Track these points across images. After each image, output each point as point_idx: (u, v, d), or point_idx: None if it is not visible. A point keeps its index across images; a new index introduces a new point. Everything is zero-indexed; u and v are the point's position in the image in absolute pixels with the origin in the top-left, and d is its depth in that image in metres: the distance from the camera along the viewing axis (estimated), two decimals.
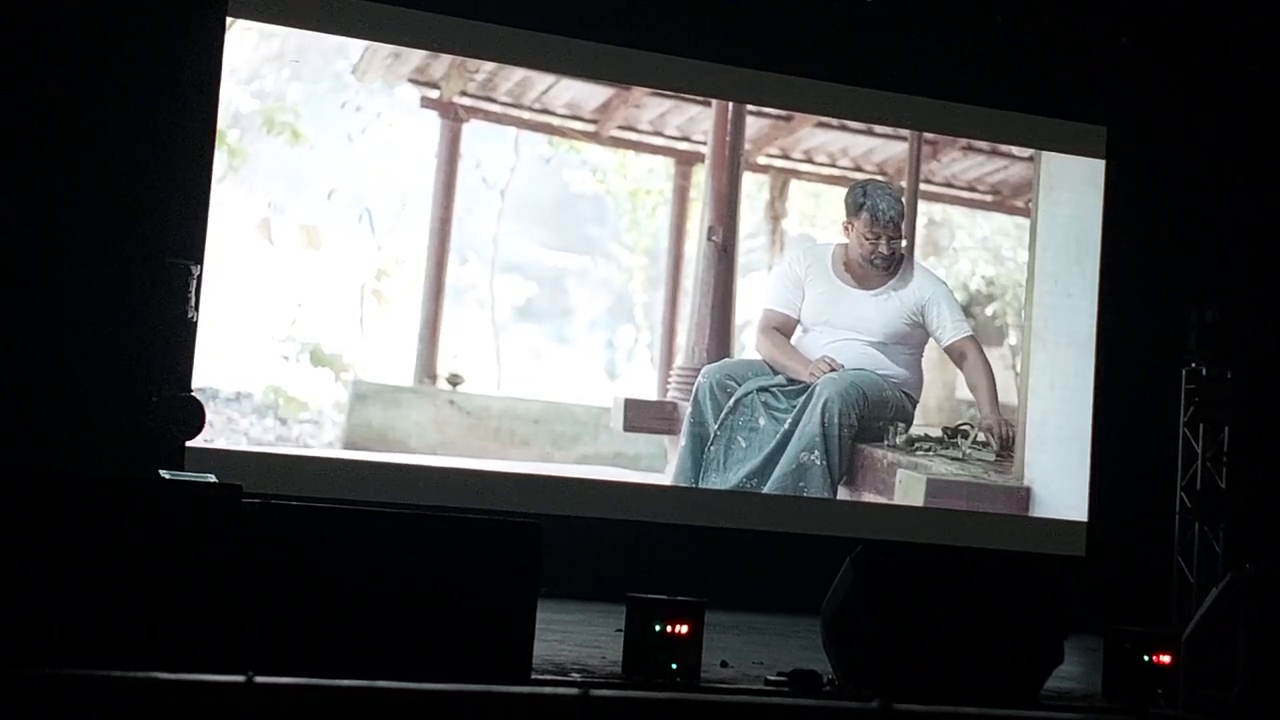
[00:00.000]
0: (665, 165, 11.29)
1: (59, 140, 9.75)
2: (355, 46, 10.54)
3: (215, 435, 9.67)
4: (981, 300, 11.97)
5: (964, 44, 11.56)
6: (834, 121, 11.64)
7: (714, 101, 11.33)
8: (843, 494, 11.23)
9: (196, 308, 8.78)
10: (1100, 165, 12.03)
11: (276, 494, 6.76)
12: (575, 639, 7.55)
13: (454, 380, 10.69)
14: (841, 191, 11.57)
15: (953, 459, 11.53)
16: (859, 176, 11.73)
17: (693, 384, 11.14)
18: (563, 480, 10.72)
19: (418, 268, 10.65)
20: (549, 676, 6.05)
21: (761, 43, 11.30)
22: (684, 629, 6.16)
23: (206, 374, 9.86)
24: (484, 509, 8.86)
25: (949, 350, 11.65)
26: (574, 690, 3.85)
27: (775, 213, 11.59)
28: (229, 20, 10.22)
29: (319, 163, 10.44)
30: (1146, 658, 6.66)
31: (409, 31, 10.62)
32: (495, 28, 10.79)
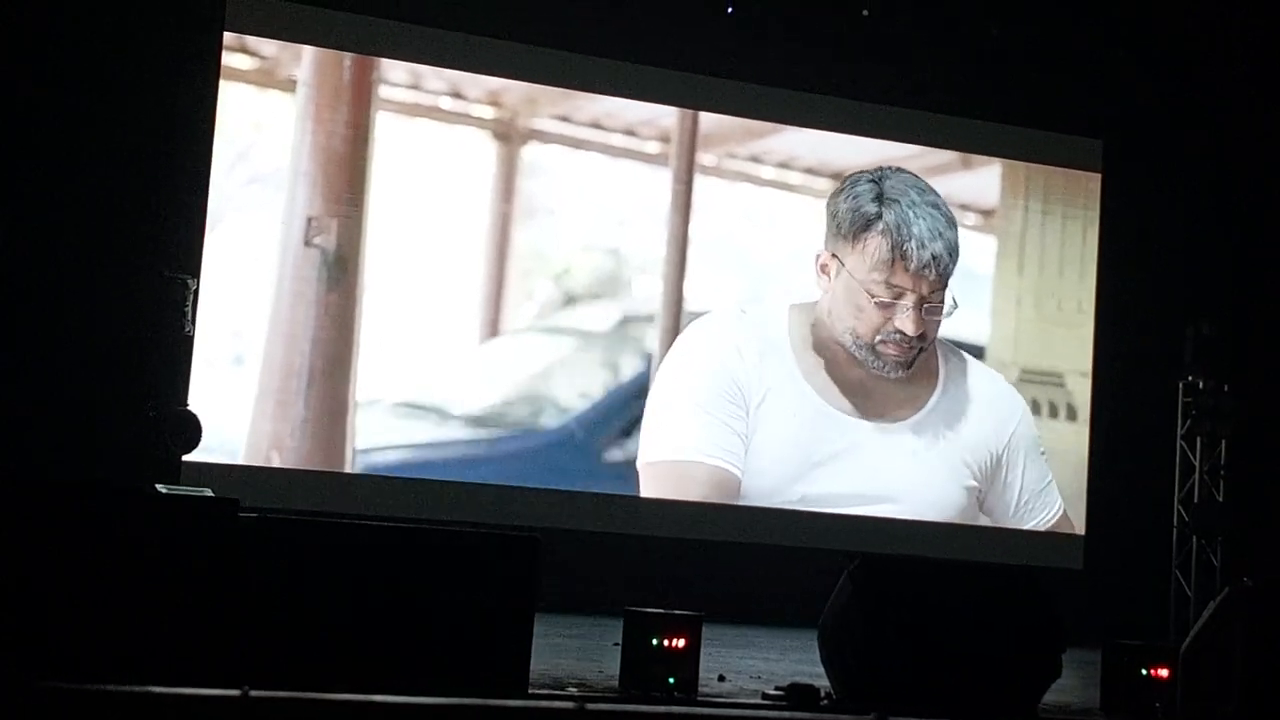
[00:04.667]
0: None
1: (57, 154, 9.75)
2: None
3: None
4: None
5: (959, 57, 11.57)
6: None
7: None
8: None
9: (194, 322, 8.77)
10: (1096, 179, 12.04)
11: (273, 507, 6.76)
12: (572, 653, 7.54)
13: None
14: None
15: None
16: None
17: None
18: (559, 493, 10.70)
19: None
20: (546, 691, 6.03)
21: (753, 56, 11.28)
22: (681, 643, 6.14)
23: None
24: (481, 522, 8.85)
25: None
26: (570, 704, 3.85)
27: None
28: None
29: None
30: (1144, 671, 6.64)
31: (401, 44, 10.63)
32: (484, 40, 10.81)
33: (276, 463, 10.11)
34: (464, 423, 10.57)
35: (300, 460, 10.18)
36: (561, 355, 10.75)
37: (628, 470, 10.56)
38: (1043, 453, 10.93)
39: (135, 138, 9.84)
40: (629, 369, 10.81)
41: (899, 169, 10.37)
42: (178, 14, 10.00)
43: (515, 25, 10.82)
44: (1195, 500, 11.19)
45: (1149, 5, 11.58)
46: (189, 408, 8.78)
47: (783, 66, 11.30)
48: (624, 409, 10.65)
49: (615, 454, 10.60)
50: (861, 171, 10.31)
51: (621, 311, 10.80)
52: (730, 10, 11.17)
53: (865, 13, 11.28)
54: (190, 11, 10.05)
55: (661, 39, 11.09)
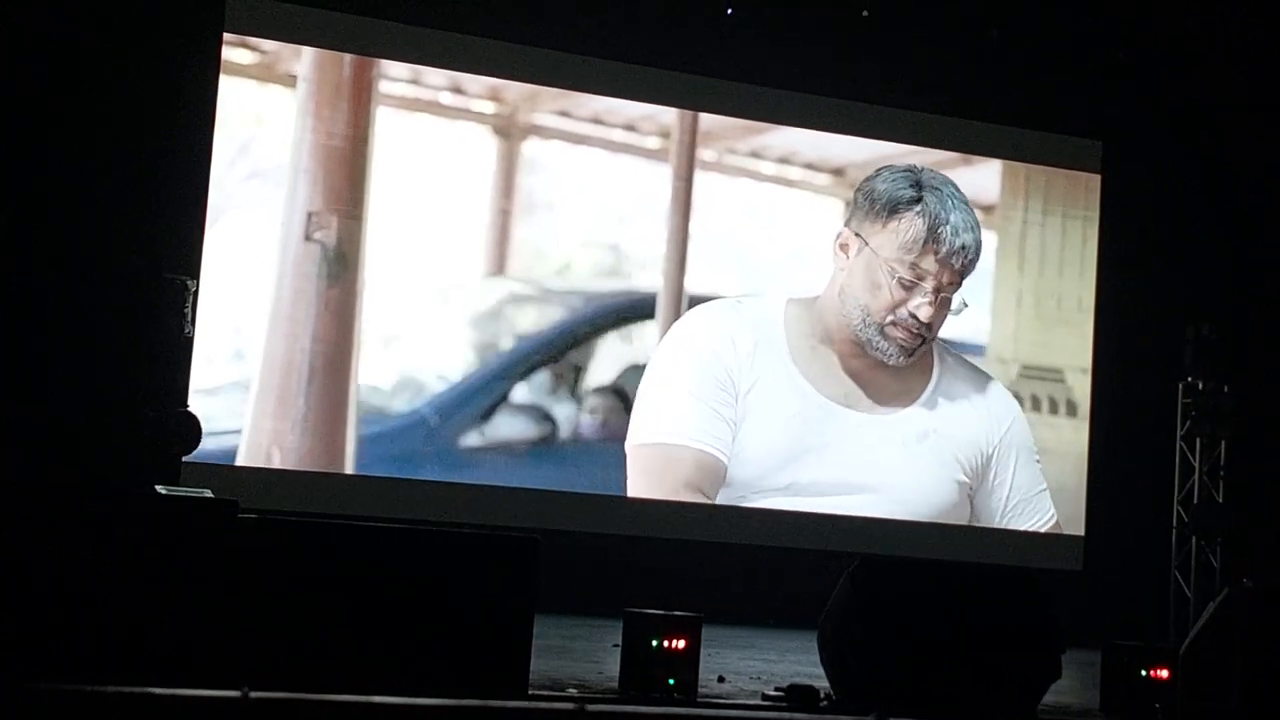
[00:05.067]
0: None
1: (55, 155, 9.75)
2: None
3: None
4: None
5: (958, 58, 11.57)
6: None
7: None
8: None
9: (193, 323, 8.77)
10: (1096, 180, 12.04)
11: (272, 509, 6.76)
12: (572, 654, 7.54)
13: None
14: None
15: None
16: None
17: None
18: (559, 494, 10.70)
19: None
20: (546, 692, 6.04)
21: (752, 57, 11.28)
22: (681, 644, 6.14)
23: None
24: (481, 523, 8.84)
25: None
26: (570, 705, 3.85)
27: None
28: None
29: None
30: (1144, 672, 6.64)
31: (400, 45, 10.64)
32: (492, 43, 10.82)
33: (277, 458, 10.12)
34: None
35: (301, 455, 10.19)
36: (432, 337, 10.67)
37: (482, 456, 10.51)
38: (1038, 461, 10.90)
39: (134, 139, 9.85)
40: (493, 351, 10.72)
41: (935, 171, 10.44)
42: (177, 15, 10.01)
43: (515, 26, 10.83)
44: (1195, 501, 11.20)
45: (1149, 7, 11.58)
46: (189, 409, 8.78)
47: (782, 67, 11.30)
48: (483, 392, 10.56)
49: (472, 439, 10.55)
50: (907, 167, 10.40)
51: (504, 292, 10.71)
52: (730, 11, 11.18)
53: (865, 13, 11.29)
54: (190, 12, 10.06)
55: (661, 40, 11.09)
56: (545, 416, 10.59)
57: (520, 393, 10.64)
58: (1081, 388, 11.85)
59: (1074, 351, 11.87)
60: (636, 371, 10.48)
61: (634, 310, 10.91)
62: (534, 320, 10.78)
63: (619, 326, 10.86)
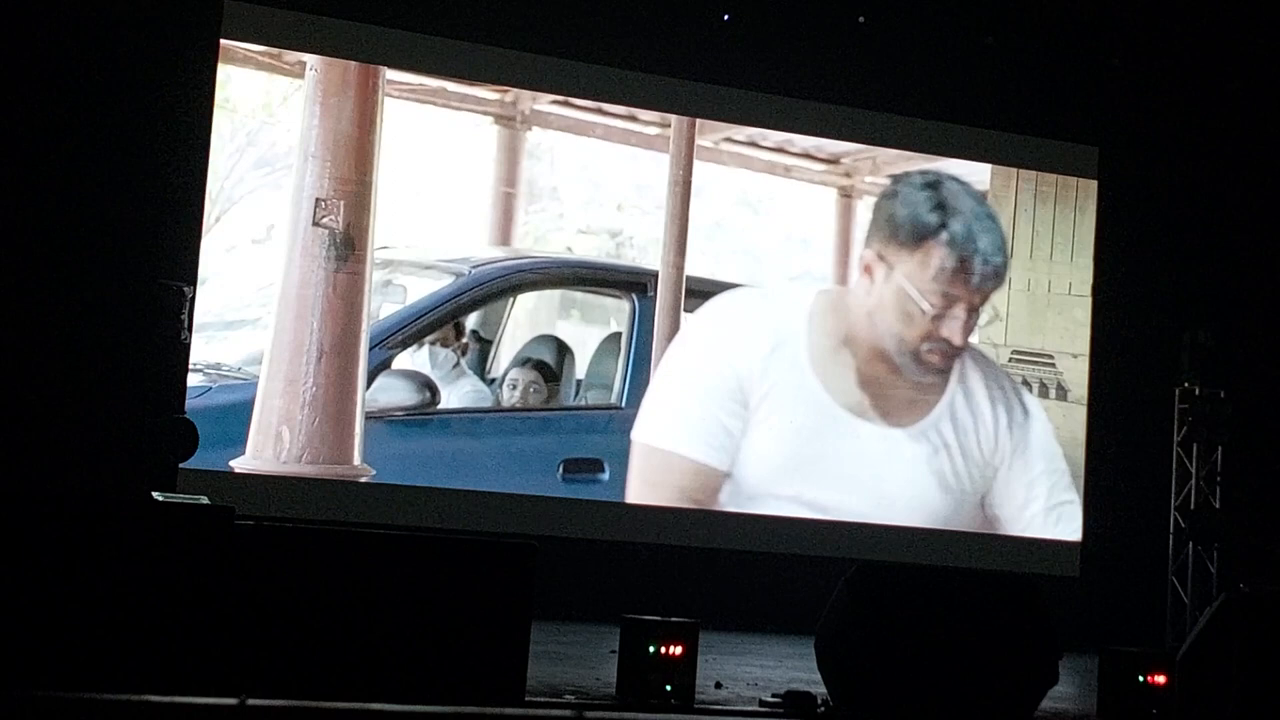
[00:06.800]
0: None
1: (51, 162, 9.75)
2: None
3: None
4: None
5: (955, 64, 11.58)
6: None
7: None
8: None
9: (189, 329, 8.77)
10: (1092, 185, 12.05)
11: (269, 516, 6.76)
12: (569, 660, 7.54)
13: None
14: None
15: None
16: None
17: None
18: (556, 501, 10.71)
19: None
20: (543, 698, 6.03)
21: (750, 63, 11.30)
22: (678, 650, 6.15)
23: None
24: (478, 530, 8.84)
25: None
26: (568, 712, 3.85)
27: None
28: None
29: None
30: (1141, 678, 6.65)
31: (400, 52, 10.67)
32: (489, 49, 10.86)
33: (286, 436, 10.19)
34: None
35: (309, 433, 10.24)
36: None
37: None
38: (1063, 469, 10.86)
39: (132, 147, 9.85)
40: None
41: (951, 176, 10.41)
42: (175, 22, 10.02)
43: (514, 33, 10.86)
44: (1192, 507, 11.20)
45: (1145, 13, 11.59)
46: (185, 415, 8.78)
47: (779, 73, 11.32)
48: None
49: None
50: (907, 174, 10.40)
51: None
52: (726, 17, 11.20)
53: (861, 20, 11.30)
54: (189, 11, 10.08)
55: (659, 46, 11.11)
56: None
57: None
58: (1071, 372, 11.86)
59: (1065, 336, 11.87)
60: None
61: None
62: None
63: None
